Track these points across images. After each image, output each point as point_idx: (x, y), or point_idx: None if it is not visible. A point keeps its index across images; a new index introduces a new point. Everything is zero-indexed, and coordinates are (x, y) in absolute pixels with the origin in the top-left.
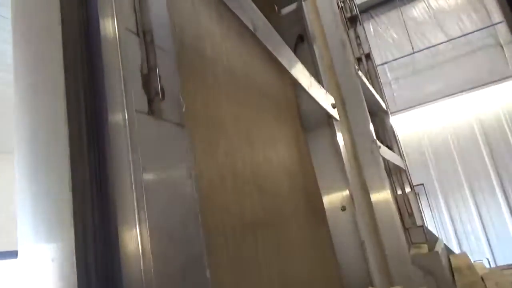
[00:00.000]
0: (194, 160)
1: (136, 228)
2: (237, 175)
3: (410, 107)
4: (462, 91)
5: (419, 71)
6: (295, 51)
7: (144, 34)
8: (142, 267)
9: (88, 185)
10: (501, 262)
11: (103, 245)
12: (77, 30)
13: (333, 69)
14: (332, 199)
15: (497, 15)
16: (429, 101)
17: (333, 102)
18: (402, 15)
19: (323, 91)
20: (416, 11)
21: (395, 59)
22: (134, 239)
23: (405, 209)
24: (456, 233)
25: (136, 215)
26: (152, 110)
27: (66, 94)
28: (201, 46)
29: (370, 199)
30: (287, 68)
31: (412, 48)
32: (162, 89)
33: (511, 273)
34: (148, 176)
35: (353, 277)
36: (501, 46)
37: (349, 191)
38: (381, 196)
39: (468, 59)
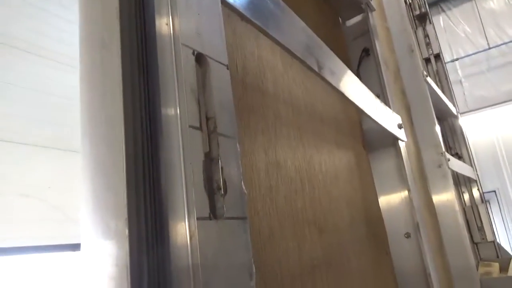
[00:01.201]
0: (251, 250)
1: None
2: (297, 216)
3: (483, 107)
4: None
5: (494, 68)
6: (359, 64)
7: (207, 122)
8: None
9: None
10: None
11: (155, 242)
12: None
13: (399, 76)
14: (396, 226)
15: None
16: (504, 101)
17: (400, 122)
18: (477, 6)
19: (389, 111)
20: (493, 2)
21: (468, 55)
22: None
23: (474, 222)
24: None
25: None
26: (214, 212)
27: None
28: (263, 83)
29: (436, 218)
30: (352, 100)
31: (488, 43)
32: (224, 182)
33: None
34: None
35: None
36: None
37: (414, 217)
38: (448, 211)
39: None
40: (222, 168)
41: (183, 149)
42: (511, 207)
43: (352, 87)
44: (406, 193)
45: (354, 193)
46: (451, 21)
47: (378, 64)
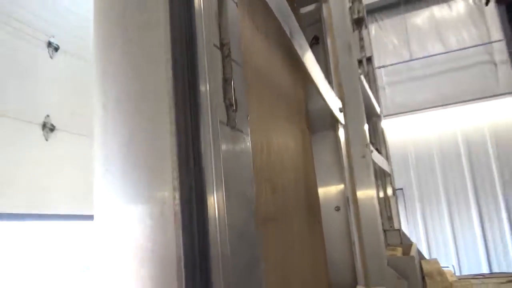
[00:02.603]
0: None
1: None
2: (256, 173)
3: (401, 113)
4: (451, 104)
5: (413, 78)
6: None
7: (223, 47)
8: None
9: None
10: (465, 271)
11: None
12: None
13: (338, 69)
14: (328, 199)
15: (496, 34)
16: (419, 109)
17: (340, 106)
18: (405, 21)
19: (333, 94)
20: (420, 19)
21: (392, 64)
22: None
23: (385, 212)
24: (427, 238)
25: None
26: (229, 121)
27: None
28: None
29: (357, 203)
30: (310, 73)
31: (410, 55)
32: (235, 101)
33: (479, 282)
34: (227, 178)
35: (340, 275)
36: (495, 65)
37: (344, 193)
38: (368, 198)
39: (461, 73)
40: (234, 89)
41: (207, 65)
42: (413, 203)
43: (311, 64)
44: (340, 171)
45: (299, 165)
46: (381, 30)
47: (326, 52)
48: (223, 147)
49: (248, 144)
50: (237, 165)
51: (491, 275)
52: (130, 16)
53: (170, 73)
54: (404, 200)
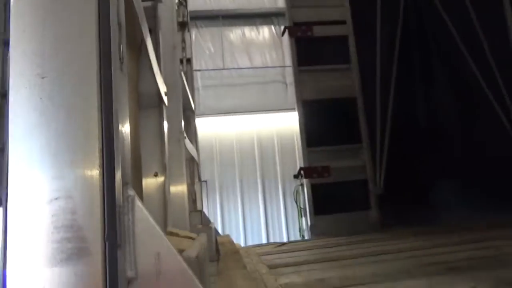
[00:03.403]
0: None
1: None
2: None
3: (210, 114)
4: (252, 111)
5: (224, 85)
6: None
7: None
8: None
9: None
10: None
11: None
12: None
13: (160, 65)
14: (149, 165)
15: (288, 59)
16: (225, 112)
17: (165, 91)
18: (222, 33)
19: (162, 80)
20: (233, 35)
21: (208, 69)
22: None
23: (191, 195)
24: (223, 221)
25: None
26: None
27: None
28: None
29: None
30: (149, 56)
31: (224, 65)
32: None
33: (256, 248)
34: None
35: None
36: (286, 85)
37: (162, 160)
38: (179, 179)
39: (262, 87)
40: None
41: None
42: (214, 193)
43: (150, 49)
44: (160, 142)
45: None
46: (201, 37)
47: (158, 44)
48: None
49: None
50: None
51: (268, 244)
52: None
53: None
54: (207, 191)
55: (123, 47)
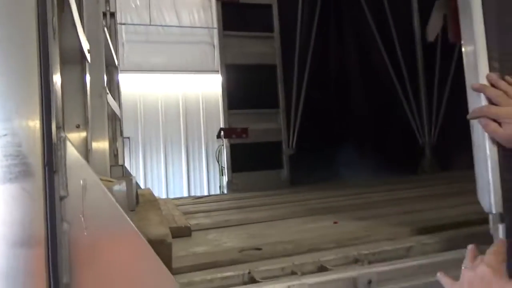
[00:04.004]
0: None
1: None
2: None
3: (135, 71)
4: (178, 71)
5: (150, 42)
6: None
7: None
8: None
9: None
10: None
11: None
12: None
13: (83, 19)
14: (71, 119)
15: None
16: (151, 70)
17: (89, 48)
18: None
19: (84, 37)
20: None
21: (133, 24)
22: None
23: (113, 150)
24: (145, 176)
25: None
26: None
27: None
28: None
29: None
30: (73, 12)
31: (150, 20)
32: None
33: (175, 200)
34: None
35: None
36: (214, 46)
37: (85, 112)
38: (100, 134)
39: (189, 47)
40: None
41: None
42: (137, 150)
43: (72, 2)
44: (82, 97)
45: None
46: None
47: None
48: None
49: None
50: None
51: (187, 197)
52: None
53: None
54: (130, 147)
55: (55, 19)
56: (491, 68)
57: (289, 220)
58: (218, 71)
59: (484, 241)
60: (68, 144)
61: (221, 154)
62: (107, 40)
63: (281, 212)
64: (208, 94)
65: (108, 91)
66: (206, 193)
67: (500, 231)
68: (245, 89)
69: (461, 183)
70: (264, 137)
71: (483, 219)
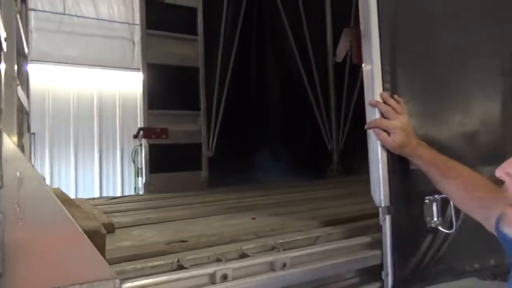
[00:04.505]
0: None
1: None
2: None
3: (45, 61)
4: (94, 65)
5: (63, 33)
6: None
7: None
8: None
9: None
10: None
11: None
12: None
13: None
14: None
15: (138, 18)
16: (64, 62)
17: (6, 36)
18: None
19: (2, 24)
20: None
21: (45, 11)
22: None
23: (20, 146)
24: (51, 174)
25: None
26: None
27: None
28: None
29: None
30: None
31: (64, 9)
32: None
33: (89, 200)
34: None
35: None
36: (134, 43)
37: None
38: (9, 128)
39: (107, 41)
40: None
41: None
42: (44, 146)
43: None
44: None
45: None
46: None
47: None
48: None
49: None
50: None
51: (100, 197)
52: None
53: None
54: (35, 143)
55: None
56: (384, 88)
57: (209, 218)
58: (138, 68)
59: (375, 230)
60: (5, 136)
61: (137, 154)
62: (19, 27)
63: (201, 210)
64: (125, 92)
65: (18, 82)
66: (120, 194)
67: (387, 221)
68: (167, 89)
69: (361, 186)
70: (184, 139)
71: (375, 213)
